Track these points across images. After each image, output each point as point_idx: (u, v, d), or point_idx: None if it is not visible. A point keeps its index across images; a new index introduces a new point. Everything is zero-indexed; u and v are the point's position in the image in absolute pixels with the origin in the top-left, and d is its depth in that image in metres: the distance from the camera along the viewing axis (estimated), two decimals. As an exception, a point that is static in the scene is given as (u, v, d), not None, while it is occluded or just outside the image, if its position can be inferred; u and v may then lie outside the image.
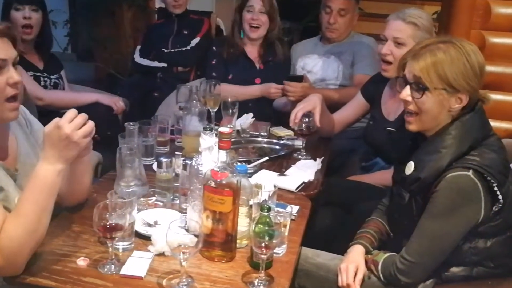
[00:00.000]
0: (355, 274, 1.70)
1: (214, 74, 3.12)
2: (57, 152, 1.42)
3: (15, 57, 1.47)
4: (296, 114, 2.31)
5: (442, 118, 1.65)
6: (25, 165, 1.59)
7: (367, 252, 1.78)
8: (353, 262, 1.72)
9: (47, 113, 2.72)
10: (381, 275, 1.70)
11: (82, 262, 1.47)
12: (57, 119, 1.43)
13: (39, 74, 2.86)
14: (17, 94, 1.47)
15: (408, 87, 1.66)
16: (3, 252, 1.35)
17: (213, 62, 3.19)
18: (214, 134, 1.62)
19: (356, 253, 1.76)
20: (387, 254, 1.73)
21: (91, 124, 1.47)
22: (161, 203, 1.80)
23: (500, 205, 1.58)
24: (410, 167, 1.67)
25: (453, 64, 1.59)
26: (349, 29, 3.21)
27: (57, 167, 1.43)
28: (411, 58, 1.65)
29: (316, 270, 1.82)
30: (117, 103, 2.97)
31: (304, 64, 3.24)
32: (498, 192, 1.57)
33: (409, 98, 1.66)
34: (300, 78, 2.90)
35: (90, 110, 2.83)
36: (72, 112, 1.45)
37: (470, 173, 1.55)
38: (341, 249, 1.85)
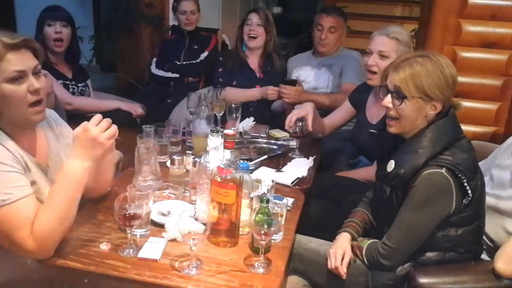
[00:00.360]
0: (342, 258, 1.70)
1: (220, 80, 3.14)
2: (85, 151, 1.43)
3: (35, 66, 1.44)
4: (291, 118, 2.31)
5: (418, 122, 1.65)
6: (55, 162, 1.59)
7: (353, 239, 1.78)
8: (340, 248, 1.72)
9: (75, 117, 2.72)
10: (365, 259, 1.70)
11: (104, 246, 1.47)
12: (85, 122, 1.44)
13: (68, 82, 2.86)
14: (41, 100, 1.45)
15: (389, 95, 1.66)
16: (36, 237, 1.35)
17: (220, 70, 3.19)
18: (220, 136, 1.62)
19: (343, 240, 1.76)
20: (371, 241, 1.73)
21: (114, 127, 1.48)
22: (173, 195, 1.79)
23: (470, 198, 1.58)
24: (391, 165, 1.67)
25: (429, 76, 1.59)
26: (338, 44, 3.21)
27: (85, 164, 1.43)
28: (392, 70, 1.65)
29: (308, 254, 1.82)
30: (136, 109, 2.97)
31: (299, 74, 3.23)
32: (467, 187, 1.56)
33: (390, 105, 1.66)
34: (293, 82, 2.91)
35: (113, 115, 2.86)
36: (98, 117, 1.46)
37: (443, 170, 1.55)
38: (330, 236, 1.85)
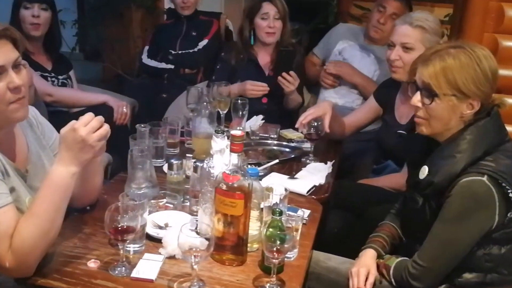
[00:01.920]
0: (367, 278, 1.70)
1: (214, 78, 3.10)
2: (72, 154, 1.43)
3: (16, 59, 1.44)
4: (306, 117, 2.31)
5: (453, 124, 1.65)
6: (35, 166, 1.60)
7: (379, 256, 1.78)
8: (364, 266, 1.72)
9: (57, 114, 2.74)
10: (392, 280, 1.70)
11: (93, 264, 1.48)
12: (73, 121, 1.44)
13: (46, 74, 2.88)
14: (22, 98, 1.45)
15: (418, 93, 1.66)
16: (15, 252, 1.36)
17: (218, 67, 3.17)
18: (226, 137, 1.63)
19: (368, 257, 1.76)
20: (399, 259, 1.73)
21: (106, 127, 1.48)
22: (171, 205, 1.80)
23: None
24: (424, 172, 1.67)
25: (463, 70, 1.58)
26: (390, 34, 3.20)
27: (71, 170, 1.44)
28: (421, 64, 1.65)
29: (327, 274, 1.82)
30: (120, 107, 2.91)
31: (343, 49, 3.25)
32: None
33: (419, 104, 1.66)
34: (293, 53, 2.92)
35: (99, 110, 2.86)
36: (88, 116, 1.46)
37: (484, 178, 1.54)
38: (352, 253, 1.85)
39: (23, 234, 1.36)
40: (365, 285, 1.69)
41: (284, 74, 2.85)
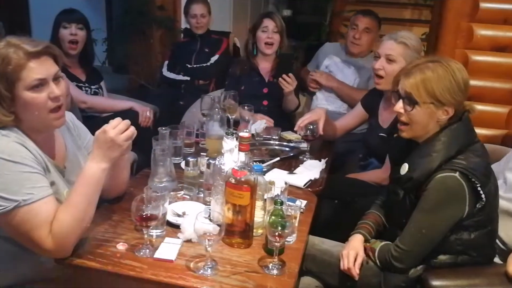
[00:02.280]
0: (355, 260, 1.70)
1: (225, 89, 3.08)
2: (102, 152, 1.45)
3: (56, 73, 1.45)
4: (303, 121, 2.31)
5: (430, 127, 1.65)
6: (72, 163, 1.61)
7: (366, 240, 1.78)
8: (353, 249, 1.72)
9: (90, 118, 2.75)
10: (377, 261, 1.70)
11: (121, 246, 1.48)
12: (105, 125, 1.45)
13: (81, 84, 2.87)
14: (61, 105, 1.46)
15: (401, 101, 1.66)
16: (55, 237, 1.37)
17: (227, 82, 3.16)
18: (235, 138, 1.62)
19: (356, 241, 1.76)
20: (383, 243, 1.73)
21: (132, 129, 1.49)
22: (188, 196, 1.80)
23: (483, 202, 1.57)
24: (404, 168, 1.67)
25: (440, 81, 1.58)
26: (370, 47, 3.21)
27: (102, 166, 1.45)
28: (403, 76, 1.64)
29: (321, 255, 1.82)
30: (144, 112, 2.90)
31: (329, 64, 3.26)
32: (481, 192, 1.56)
33: (402, 111, 1.66)
34: (291, 57, 2.91)
35: (126, 115, 2.87)
36: (117, 120, 1.47)
37: (456, 174, 1.54)
38: (341, 237, 1.86)
39: (61, 221, 1.37)
40: (354, 265, 1.69)
41: (284, 75, 2.84)
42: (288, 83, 2.83)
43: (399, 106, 1.66)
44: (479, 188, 1.55)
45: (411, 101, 1.62)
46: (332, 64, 3.27)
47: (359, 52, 3.21)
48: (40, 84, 1.40)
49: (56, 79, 1.45)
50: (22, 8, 5.41)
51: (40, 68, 1.40)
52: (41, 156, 1.44)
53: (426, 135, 1.66)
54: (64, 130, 1.64)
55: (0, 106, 1.38)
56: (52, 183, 1.46)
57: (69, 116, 1.69)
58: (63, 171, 1.56)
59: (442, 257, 1.66)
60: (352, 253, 1.71)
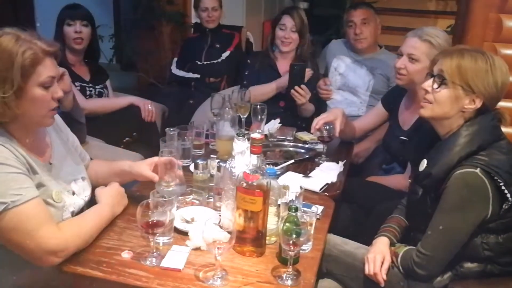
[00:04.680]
0: (382, 264, 1.67)
1: (245, 82, 3.12)
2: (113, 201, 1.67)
3: (59, 74, 1.58)
4: (318, 122, 2.29)
5: (452, 114, 1.63)
6: (59, 160, 1.64)
7: (391, 244, 1.76)
8: (380, 253, 1.70)
9: (93, 118, 2.77)
10: (400, 267, 1.68)
11: (126, 255, 1.48)
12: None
13: (85, 84, 2.88)
14: (56, 107, 1.55)
15: (431, 79, 1.66)
16: (57, 252, 1.40)
17: (246, 73, 3.18)
18: (246, 140, 1.61)
19: (382, 244, 1.74)
20: (407, 248, 1.71)
21: None
22: (197, 202, 1.79)
23: (510, 203, 1.54)
24: (423, 164, 1.67)
25: (476, 69, 1.58)
26: (375, 39, 3.15)
27: (115, 210, 1.67)
28: (442, 56, 1.66)
29: (344, 257, 1.80)
30: (146, 106, 2.90)
31: (338, 65, 3.21)
32: (506, 191, 1.52)
33: (429, 88, 1.66)
34: (304, 67, 2.87)
35: (127, 111, 2.87)
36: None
37: (477, 171, 1.52)
38: (359, 242, 1.84)
39: (69, 242, 1.43)
40: (380, 270, 1.66)
41: (296, 88, 2.82)
42: (301, 95, 2.81)
43: (428, 84, 1.67)
44: (503, 187, 1.52)
45: (441, 79, 1.62)
46: (341, 65, 3.21)
47: (368, 47, 3.13)
48: (50, 82, 1.47)
49: (57, 80, 1.54)
50: (26, 4, 5.47)
51: (52, 67, 1.49)
52: (24, 157, 1.46)
53: (446, 124, 1.65)
54: (50, 130, 1.68)
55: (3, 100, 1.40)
56: (40, 185, 1.48)
57: (56, 118, 1.73)
58: (49, 167, 1.59)
59: (469, 265, 1.63)
60: (379, 257, 1.68)
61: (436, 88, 1.63)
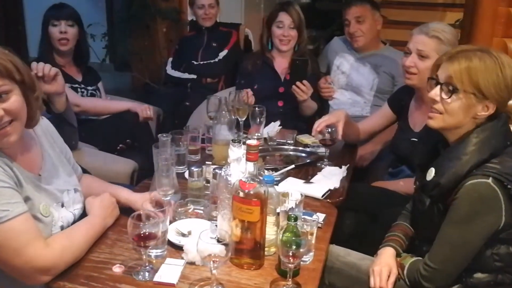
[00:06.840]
0: (388, 277, 1.66)
1: (242, 82, 3.12)
2: (106, 213, 1.67)
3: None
4: (320, 124, 2.27)
5: (465, 123, 1.60)
6: (49, 171, 1.62)
7: (397, 254, 1.74)
8: (386, 266, 1.68)
9: (87, 121, 2.77)
10: (406, 279, 1.67)
11: (117, 269, 1.47)
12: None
13: (76, 85, 2.89)
14: (3, 127, 1.40)
15: (438, 87, 1.62)
16: (47, 268, 1.39)
17: (237, 81, 3.17)
18: (242, 146, 1.60)
19: (388, 256, 1.73)
20: (414, 259, 1.69)
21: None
22: (201, 211, 1.78)
23: None
24: (430, 173, 1.63)
25: (487, 72, 1.55)
26: (374, 36, 3.13)
27: (107, 222, 1.67)
28: (447, 60, 1.61)
29: (347, 269, 1.78)
30: (144, 111, 2.89)
31: (340, 63, 3.20)
32: None
33: (438, 98, 1.62)
34: (306, 62, 2.85)
35: (124, 116, 2.87)
36: None
37: (489, 180, 1.50)
38: (365, 253, 1.82)
39: (59, 259, 1.42)
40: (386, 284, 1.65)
41: (298, 83, 2.80)
42: (303, 91, 2.80)
43: (435, 92, 1.62)
44: None
45: (450, 88, 1.58)
46: (344, 63, 3.21)
47: (366, 44, 3.12)
48: None
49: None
50: (15, 4, 5.48)
51: None
52: (12, 169, 1.44)
53: (457, 132, 1.63)
54: (41, 136, 1.66)
55: None
56: (27, 198, 1.46)
57: (49, 127, 1.73)
58: (39, 179, 1.56)
59: (479, 275, 1.61)
60: (385, 270, 1.67)
61: (447, 99, 1.59)
